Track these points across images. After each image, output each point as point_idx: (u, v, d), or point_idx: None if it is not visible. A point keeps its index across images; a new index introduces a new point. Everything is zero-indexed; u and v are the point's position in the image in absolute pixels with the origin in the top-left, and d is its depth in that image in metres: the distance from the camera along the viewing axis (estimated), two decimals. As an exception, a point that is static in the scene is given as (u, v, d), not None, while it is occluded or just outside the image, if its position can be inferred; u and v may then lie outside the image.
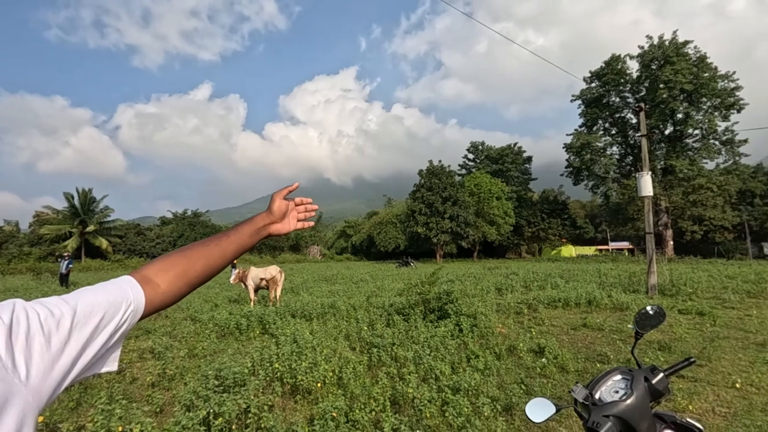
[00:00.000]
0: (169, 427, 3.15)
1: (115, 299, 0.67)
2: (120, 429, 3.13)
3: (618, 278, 14.47)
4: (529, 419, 1.49)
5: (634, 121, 38.94)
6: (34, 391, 0.53)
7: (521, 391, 4.17)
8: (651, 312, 1.76)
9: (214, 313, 8.41)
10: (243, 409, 3.54)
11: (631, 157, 41.12)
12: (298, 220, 1.12)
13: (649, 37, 37.61)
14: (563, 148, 42.92)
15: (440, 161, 45.85)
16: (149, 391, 4.34)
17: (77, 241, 41.46)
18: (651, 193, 12.14)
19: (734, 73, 35.01)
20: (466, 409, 3.52)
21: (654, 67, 36.68)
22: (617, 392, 1.42)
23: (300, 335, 5.91)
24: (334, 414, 3.48)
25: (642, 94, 38.46)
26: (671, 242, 37.56)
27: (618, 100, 41.08)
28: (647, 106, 34.46)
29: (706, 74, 34.70)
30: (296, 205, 1.13)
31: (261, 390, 4.08)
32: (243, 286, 10.90)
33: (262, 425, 3.41)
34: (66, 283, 17.63)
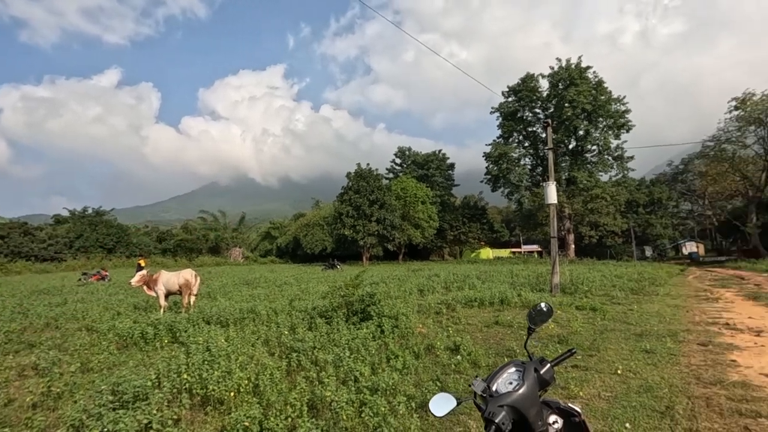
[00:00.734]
0: (51, 453, 2.79)
1: None
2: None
3: (527, 278, 15.72)
4: (432, 414, 1.56)
5: (544, 135, 42.78)
6: None
7: (436, 388, 4.34)
8: (544, 309, 1.93)
9: (116, 322, 7.62)
10: (144, 426, 3.25)
11: (540, 168, 45.00)
12: None
13: (558, 60, 41.59)
14: (483, 157, 45.70)
15: (368, 164, 46.36)
16: (29, 414, 3.81)
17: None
18: (556, 201, 13.40)
19: (625, 97, 40.05)
20: (382, 409, 3.57)
21: (561, 87, 40.62)
22: (511, 383, 1.52)
23: (214, 343, 5.58)
24: (247, 423, 3.34)
25: (551, 111, 42.36)
26: (573, 245, 41.75)
27: (530, 115, 44.86)
28: (554, 123, 38.11)
29: (603, 97, 39.25)
30: None
31: (166, 403, 3.77)
32: (150, 293, 9.87)
33: (166, 441, 3.17)
34: None
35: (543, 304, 1.95)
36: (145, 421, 3.21)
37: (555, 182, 13.51)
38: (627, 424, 3.59)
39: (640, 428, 3.54)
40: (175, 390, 4.08)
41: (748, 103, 32.97)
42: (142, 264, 23.37)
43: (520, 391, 1.44)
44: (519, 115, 44.51)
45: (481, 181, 47.61)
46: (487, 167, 45.68)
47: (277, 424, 3.41)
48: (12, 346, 6.51)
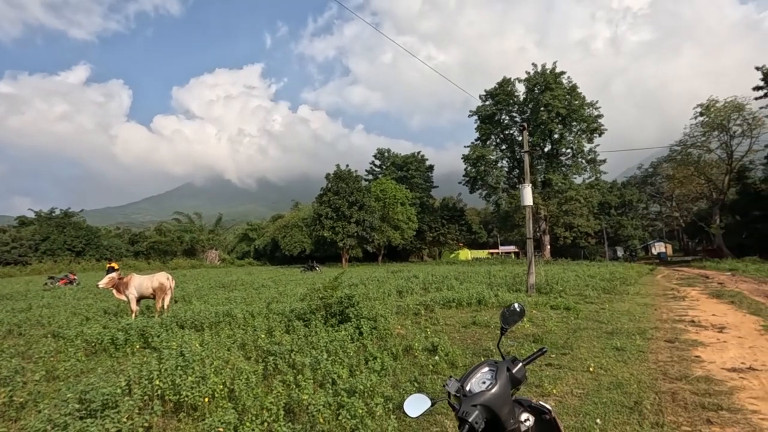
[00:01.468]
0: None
1: None
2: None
3: (504, 279, 15.99)
4: (406, 414, 1.57)
5: (520, 138, 43.66)
6: None
7: (413, 389, 4.36)
8: (517, 309, 1.97)
9: (84, 328, 7.34)
10: (112, 435, 3.14)
11: (517, 171, 45.87)
12: None
13: (534, 65, 42.56)
14: (462, 158, 46.26)
15: (348, 166, 46.24)
16: (-11, 425, 3.63)
17: None
18: (531, 203, 13.69)
19: (597, 102, 41.28)
20: (360, 411, 3.57)
21: (537, 91, 41.55)
22: (484, 383, 1.55)
23: (188, 347, 5.45)
24: (221, 429, 3.27)
25: (527, 114, 43.26)
26: (548, 246, 42.71)
27: (507, 118, 45.71)
28: (530, 126, 38.95)
29: (577, 102, 40.36)
30: None
31: (137, 411, 3.66)
32: (120, 296, 9.52)
33: (137, 450, 3.07)
34: None
35: (516, 305, 1.99)
36: (114, 430, 3.11)
37: (531, 184, 13.80)
38: (598, 420, 3.70)
39: (610, 423, 3.65)
40: (146, 397, 3.96)
41: (712, 109, 34.57)
42: (115, 267, 22.59)
43: (493, 390, 1.47)
44: (496, 119, 45.28)
45: (460, 183, 48.19)
46: (465, 169, 46.24)
47: (253, 429, 3.36)
48: None
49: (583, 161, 41.97)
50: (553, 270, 21.04)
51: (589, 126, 40.57)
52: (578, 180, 43.50)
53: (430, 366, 5.42)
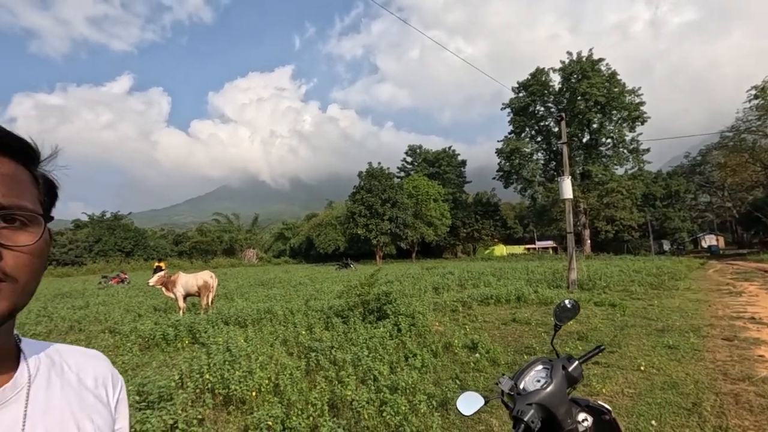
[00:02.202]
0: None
1: None
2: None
3: (543, 275, 15.56)
4: (460, 412, 1.55)
5: (557, 129, 42.29)
6: None
7: (455, 386, 4.32)
8: (569, 305, 1.90)
9: (137, 324, 7.77)
10: (170, 425, 3.30)
11: (554, 163, 44.49)
12: None
13: (569, 54, 41.04)
14: (495, 153, 45.37)
15: (380, 163, 46.46)
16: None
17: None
18: (571, 196, 13.23)
19: (640, 88, 39.29)
20: (403, 408, 3.58)
21: (573, 80, 40.08)
22: (539, 381, 1.51)
23: (233, 343, 5.66)
24: (270, 423, 3.37)
25: (563, 104, 41.82)
26: (589, 241, 41.19)
27: (542, 109, 44.38)
28: (567, 116, 37.59)
29: (617, 89, 38.59)
30: None
31: (190, 403, 3.84)
32: (169, 294, 10.01)
33: (191, 441, 3.22)
34: None
35: (568, 301, 1.93)
36: (171, 421, 3.27)
37: (570, 176, 13.34)
38: (653, 422, 3.53)
39: (667, 425, 3.47)
40: (198, 390, 4.14)
41: (768, 91, 32.09)
42: (162, 266, 23.65)
43: (549, 389, 1.43)
44: (530, 110, 44.08)
45: (494, 178, 47.31)
46: (499, 163, 45.35)
47: (299, 423, 3.44)
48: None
49: (625, 151, 40.12)
50: (595, 265, 20.27)
51: (630, 114, 38.71)
52: (620, 171, 41.65)
53: (471, 364, 5.36)
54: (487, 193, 59.83)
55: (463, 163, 60.18)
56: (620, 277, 14.35)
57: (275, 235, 71.37)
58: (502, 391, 1.51)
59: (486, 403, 1.55)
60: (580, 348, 5.77)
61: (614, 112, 39.16)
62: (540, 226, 51.33)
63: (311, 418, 3.61)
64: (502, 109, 46.13)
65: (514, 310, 9.08)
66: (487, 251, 53.76)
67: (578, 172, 40.82)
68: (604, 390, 4.28)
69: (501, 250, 53.43)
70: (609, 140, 40.21)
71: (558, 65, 41.44)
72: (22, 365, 0.59)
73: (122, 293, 16.21)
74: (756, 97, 32.74)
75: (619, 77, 39.20)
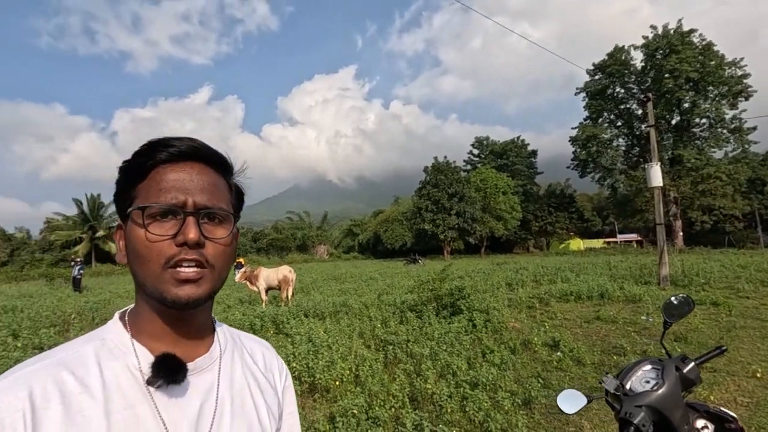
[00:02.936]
0: None
1: None
2: None
3: (629, 270, 14.38)
4: (562, 410, 1.50)
5: (640, 112, 38.65)
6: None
7: (539, 385, 4.17)
8: (675, 302, 1.76)
9: (228, 314, 8.48)
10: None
11: (637, 149, 40.75)
12: None
13: (653, 27, 37.21)
14: (569, 141, 42.65)
15: (446, 157, 45.82)
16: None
17: (87, 246, 41.92)
18: (660, 184, 12.05)
19: (742, 59, 34.54)
20: (485, 404, 3.53)
21: (659, 56, 36.27)
22: (648, 382, 1.41)
23: (315, 334, 5.95)
24: (355, 411, 3.51)
25: (647, 84, 38.06)
26: (681, 233, 37.21)
27: (623, 91, 40.72)
28: (653, 97, 34.19)
29: (713, 62, 34.25)
30: None
31: (280, 389, 4.11)
32: (253, 288, 10.81)
33: (284, 423, 3.45)
34: (78, 288, 17.84)
35: (680, 296, 1.78)
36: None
37: (659, 162, 12.14)
38: (776, 435, 3.13)
39: (794, 441, 3.06)
40: (286, 377, 4.42)
41: None
42: (243, 262, 25.43)
43: (661, 390, 1.33)
44: (609, 93, 40.68)
45: (568, 167, 44.51)
46: (573, 152, 42.55)
47: (383, 414, 3.54)
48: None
49: (725, 131, 35.52)
50: (690, 259, 18.29)
51: (730, 89, 34.11)
52: (718, 154, 36.96)
53: (554, 362, 5.13)
54: (560, 184, 56.49)
55: (533, 153, 57.36)
56: (722, 272, 12.81)
57: (344, 232, 73.58)
58: (606, 390, 1.44)
59: (589, 402, 1.49)
60: (679, 350, 5.26)
61: (710, 88, 34.79)
62: (622, 217, 47.32)
63: (393, 409, 3.70)
64: (576, 93, 43.17)
65: (597, 307, 8.51)
66: (562, 246, 50.81)
67: (667, 157, 36.94)
68: (711, 397, 3.88)
69: (577, 244, 50.22)
70: (704, 120, 35.84)
71: (639, 41, 37.78)
72: (216, 341, 0.70)
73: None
74: None
75: (716, 48, 34.75)
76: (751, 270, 13.15)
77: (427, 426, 3.19)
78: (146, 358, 0.59)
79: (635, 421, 1.26)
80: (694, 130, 36.93)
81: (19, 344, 6.25)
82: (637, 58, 38.87)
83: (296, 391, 4.06)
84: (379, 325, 6.86)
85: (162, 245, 0.57)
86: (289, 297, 10.45)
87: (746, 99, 34.46)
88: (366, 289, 13.35)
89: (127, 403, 0.55)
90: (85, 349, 0.58)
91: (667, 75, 34.74)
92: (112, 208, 46.03)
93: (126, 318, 0.64)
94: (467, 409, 3.48)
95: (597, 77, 41.01)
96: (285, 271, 10.56)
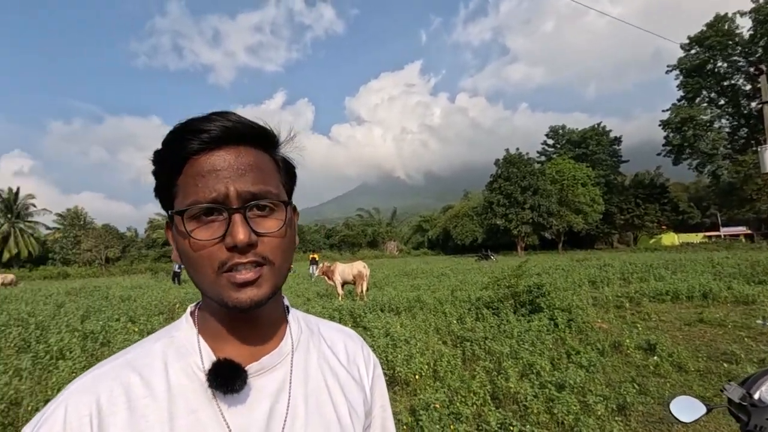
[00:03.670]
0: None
1: None
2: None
3: (737, 268, 12.71)
4: (676, 418, 1.39)
5: (748, 87, 33.85)
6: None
7: (634, 391, 3.87)
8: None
9: (308, 307, 8.95)
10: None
11: (745, 130, 35.80)
12: None
13: (766, -12, 32.32)
14: (659, 125, 38.65)
15: (518, 149, 43.96)
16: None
17: (183, 243, 46.59)
18: (778, 169, 10.48)
19: None
20: (574, 407, 3.36)
21: (774, 21, 31.46)
22: None
23: (392, 328, 6.07)
24: (437, 405, 3.53)
25: (758, 55, 33.17)
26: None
27: (726, 65, 35.90)
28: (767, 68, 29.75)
29: None
30: None
31: (362, 380, 4.26)
32: (330, 282, 11.40)
33: (367, 413, 3.57)
34: (179, 281, 19.92)
35: None
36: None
37: (776, 145, 10.56)
38: None
39: None
40: (368, 369, 4.57)
41: None
42: (316, 258, 26.50)
43: (800, 404, 1.18)
44: (708, 69, 36.11)
45: (659, 154, 40.45)
46: (665, 137, 38.53)
47: (464, 410, 3.52)
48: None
49: None
50: (818, 256, 15.68)
51: None
52: None
53: (650, 367, 4.72)
54: (649, 172, 51.42)
55: (617, 140, 52.81)
56: None
57: (413, 228, 73.86)
58: (729, 399, 1.31)
59: (708, 411, 1.36)
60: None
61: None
62: (726, 208, 41.92)
63: (474, 406, 3.66)
64: (667, 72, 38.93)
65: (699, 308, 7.65)
66: (653, 240, 46.28)
67: (784, 138, 32.00)
68: None
69: (671, 238, 45.46)
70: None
71: (747, 6, 33.02)
72: (288, 333, 0.64)
73: (290, 280, 18.84)
74: None
75: None
76: None
77: (516, 425, 3.11)
78: (210, 359, 0.55)
79: None
80: (821, 104, 31.53)
81: (137, 329, 7.16)
82: (744, 26, 34.06)
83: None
84: (454, 322, 6.82)
85: (211, 250, 0.51)
86: (364, 292, 10.75)
87: None
88: (438, 285, 13.29)
89: (190, 408, 0.52)
90: (155, 347, 0.56)
91: (783, 42, 30.05)
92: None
93: (195, 313, 0.60)
94: (555, 411, 3.34)
95: (693, 52, 36.64)
96: (359, 266, 10.88)
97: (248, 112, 0.61)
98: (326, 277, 11.11)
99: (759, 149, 10.76)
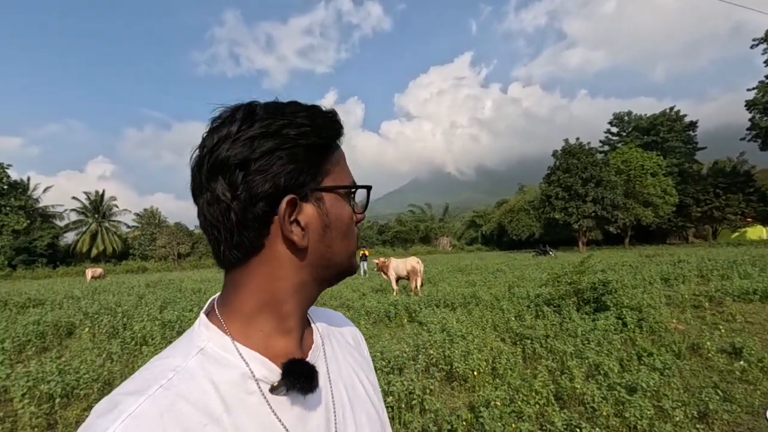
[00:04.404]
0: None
1: None
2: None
3: (843, 265, 11.19)
4: None
5: None
6: None
7: (718, 397, 3.55)
8: None
9: (364, 302, 9.12)
10: (408, 391, 3.77)
11: None
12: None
13: None
14: (745, 106, 34.85)
15: (578, 139, 41.64)
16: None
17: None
18: None
19: None
20: (648, 411, 3.15)
21: None
22: None
23: (448, 324, 6.03)
24: (498, 403, 3.47)
25: None
26: None
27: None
28: None
29: None
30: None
31: (420, 374, 4.29)
32: (384, 277, 11.57)
33: (426, 407, 3.59)
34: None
35: None
36: (410, 388, 3.73)
37: None
38: None
39: None
40: (425, 363, 4.59)
41: None
42: (367, 254, 26.79)
43: None
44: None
45: (742, 139, 36.57)
46: (751, 119, 34.72)
47: (527, 409, 3.42)
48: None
49: None
50: None
51: None
52: None
53: (736, 373, 4.31)
54: (731, 159, 46.52)
55: (692, 125, 48.31)
56: None
57: (466, 223, 72.59)
58: None
59: None
60: None
61: None
62: (828, 197, 36.96)
63: (537, 406, 3.55)
64: (752, 46, 34.94)
65: (796, 310, 6.85)
66: (736, 234, 41.86)
67: None
68: None
69: (759, 232, 40.83)
70: None
71: None
72: (314, 328, 0.64)
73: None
74: None
75: None
76: None
77: (585, 427, 2.98)
78: (259, 363, 0.51)
79: None
80: None
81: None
82: None
83: (437, 377, 4.20)
84: (513, 319, 6.63)
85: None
86: (418, 287, 10.76)
87: None
88: (494, 281, 12.97)
89: (250, 420, 0.49)
90: (190, 367, 0.49)
91: None
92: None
93: (220, 318, 0.54)
94: (626, 415, 3.15)
95: (785, 22, 32.57)
96: (413, 262, 10.90)
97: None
98: (382, 273, 11.28)
99: None
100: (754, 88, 34.39)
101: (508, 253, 40.28)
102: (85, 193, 48.20)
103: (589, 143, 42.05)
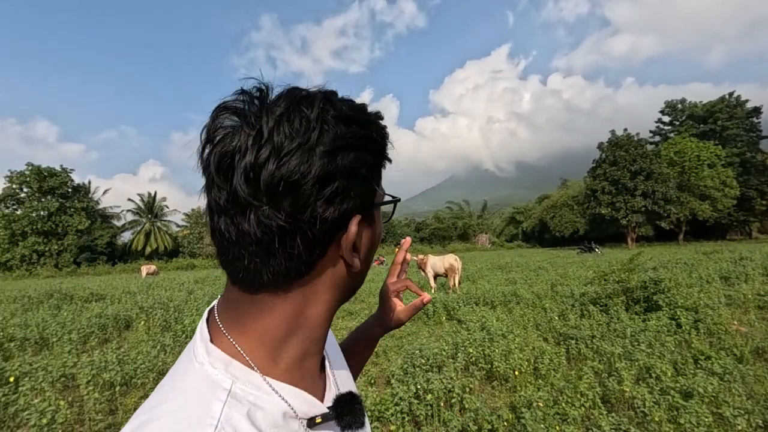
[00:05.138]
0: (386, 397, 3.57)
1: None
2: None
3: None
4: None
5: None
6: None
7: (786, 406, 3.27)
8: None
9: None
10: (447, 390, 3.74)
11: None
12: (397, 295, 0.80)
13: None
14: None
15: (625, 130, 39.51)
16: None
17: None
18: None
19: None
20: (706, 419, 2.96)
21: None
22: None
23: (488, 322, 5.93)
24: (541, 404, 3.37)
25: None
26: None
27: None
28: None
29: None
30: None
31: (459, 372, 4.25)
32: (422, 274, 11.55)
33: (466, 406, 3.55)
34: None
35: None
36: (450, 386, 3.70)
37: None
38: None
39: None
40: (464, 362, 4.54)
41: None
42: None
43: None
44: None
45: (815, 125, 33.24)
46: (825, 102, 31.44)
47: (571, 411, 3.31)
48: (339, 312, 8.69)
49: None
50: None
51: None
52: None
53: (807, 379, 3.95)
54: (802, 147, 42.59)
55: (756, 111, 44.52)
56: None
57: (506, 220, 70.89)
58: None
59: None
60: None
61: None
62: None
63: (583, 408, 3.42)
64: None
65: None
66: (808, 229, 38.33)
67: None
68: None
69: (835, 226, 37.19)
70: None
71: None
72: None
73: (383, 272, 19.38)
74: None
75: None
76: None
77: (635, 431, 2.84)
78: (299, 398, 0.46)
79: None
80: None
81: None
82: None
83: (476, 376, 4.15)
84: (556, 318, 6.42)
85: None
86: (457, 285, 10.64)
87: None
88: (536, 279, 12.59)
89: None
90: (232, 416, 0.40)
91: None
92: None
93: (235, 345, 0.46)
94: (681, 422, 2.97)
95: None
96: (451, 259, 10.79)
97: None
98: (422, 271, 11.27)
99: None
100: (829, 68, 31.23)
101: (550, 251, 38.96)
102: (139, 194, 51.38)
103: (638, 134, 39.81)
